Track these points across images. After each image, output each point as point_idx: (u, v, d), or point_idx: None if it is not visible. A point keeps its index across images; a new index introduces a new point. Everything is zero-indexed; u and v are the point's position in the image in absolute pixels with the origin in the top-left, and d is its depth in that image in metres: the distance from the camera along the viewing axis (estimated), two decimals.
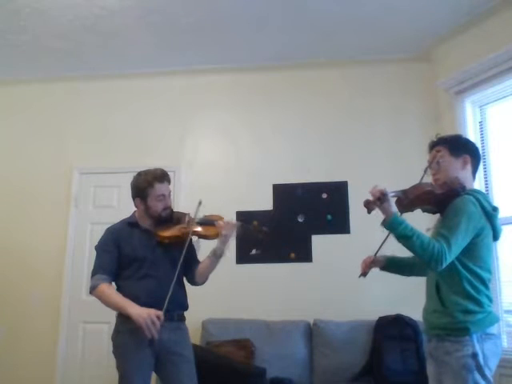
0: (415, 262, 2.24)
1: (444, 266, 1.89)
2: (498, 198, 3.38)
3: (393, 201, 1.98)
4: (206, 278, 2.51)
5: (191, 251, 2.49)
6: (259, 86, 4.24)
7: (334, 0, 3.35)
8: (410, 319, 3.28)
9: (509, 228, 3.25)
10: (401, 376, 3.07)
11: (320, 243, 3.87)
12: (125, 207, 4.09)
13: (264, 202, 3.97)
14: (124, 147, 4.24)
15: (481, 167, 3.45)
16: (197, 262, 2.52)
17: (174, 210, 2.57)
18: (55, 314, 3.96)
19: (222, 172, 4.11)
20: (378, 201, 1.92)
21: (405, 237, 1.91)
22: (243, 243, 3.82)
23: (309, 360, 3.40)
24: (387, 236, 2.10)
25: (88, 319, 3.94)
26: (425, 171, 2.11)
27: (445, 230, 1.92)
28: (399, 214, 1.99)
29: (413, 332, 3.22)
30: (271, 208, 3.97)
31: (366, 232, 3.84)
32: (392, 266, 2.29)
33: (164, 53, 4.07)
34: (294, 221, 3.93)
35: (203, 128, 4.26)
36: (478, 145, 3.49)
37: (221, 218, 2.46)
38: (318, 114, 4.13)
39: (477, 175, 3.42)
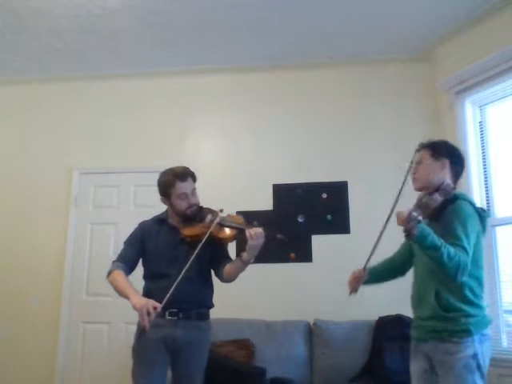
0: (393, 264, 2.35)
1: (465, 276, 1.91)
2: (498, 198, 3.38)
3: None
4: (233, 279, 2.43)
5: (222, 248, 2.46)
6: (259, 86, 4.24)
7: (333, 0, 3.35)
8: (410, 319, 3.27)
9: (509, 228, 3.26)
10: (401, 376, 3.05)
11: (320, 243, 3.87)
12: (125, 207, 4.15)
13: (264, 202, 3.97)
14: (124, 147, 4.23)
15: (481, 167, 3.48)
16: (227, 258, 2.47)
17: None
18: (55, 314, 3.96)
19: (222, 172, 4.10)
20: (408, 225, 1.82)
21: (434, 247, 1.87)
22: (243, 244, 3.81)
23: (309, 360, 3.39)
24: (374, 248, 2.08)
25: (88, 319, 3.95)
26: (408, 171, 2.13)
27: (459, 240, 1.92)
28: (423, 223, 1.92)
29: None
30: (271, 208, 3.97)
31: (366, 232, 3.83)
32: (374, 278, 2.33)
33: (164, 53, 4.06)
34: (294, 221, 3.93)
35: (203, 128, 4.26)
36: (478, 145, 3.53)
37: (241, 221, 2.39)
38: (317, 114, 4.13)
39: (476, 175, 3.47)
